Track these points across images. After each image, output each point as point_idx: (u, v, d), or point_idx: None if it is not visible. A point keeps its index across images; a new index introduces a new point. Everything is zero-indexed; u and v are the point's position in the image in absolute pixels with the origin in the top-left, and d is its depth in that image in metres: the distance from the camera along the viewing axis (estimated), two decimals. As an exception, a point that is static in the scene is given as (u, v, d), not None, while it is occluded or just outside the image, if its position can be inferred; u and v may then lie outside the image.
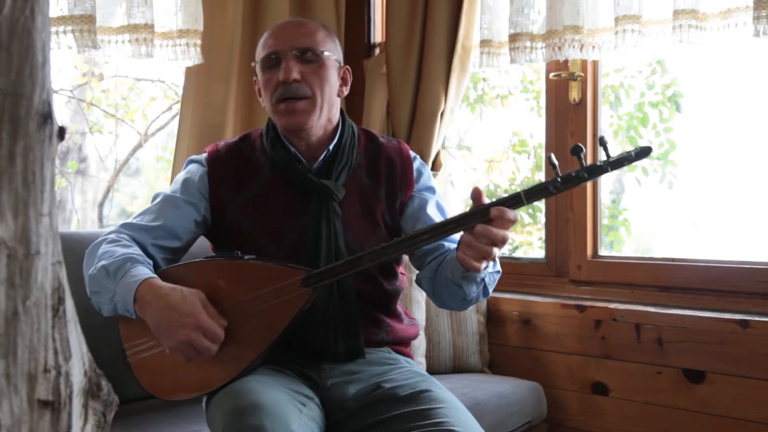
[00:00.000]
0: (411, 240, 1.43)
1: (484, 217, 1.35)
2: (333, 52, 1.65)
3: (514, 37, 2.27)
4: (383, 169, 1.68)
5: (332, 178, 1.61)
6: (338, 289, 1.56)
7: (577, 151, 1.37)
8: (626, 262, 2.35)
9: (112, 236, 1.57)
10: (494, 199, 1.40)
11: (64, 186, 3.41)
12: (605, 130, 2.56)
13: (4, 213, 0.58)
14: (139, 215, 1.65)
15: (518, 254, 3.25)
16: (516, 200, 1.38)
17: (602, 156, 1.39)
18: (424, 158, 2.41)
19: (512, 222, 1.36)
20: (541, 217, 2.96)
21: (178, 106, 2.54)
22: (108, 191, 3.57)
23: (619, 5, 2.06)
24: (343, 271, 1.46)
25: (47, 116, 0.62)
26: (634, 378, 2.16)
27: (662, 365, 2.11)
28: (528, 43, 2.26)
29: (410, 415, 1.41)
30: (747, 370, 1.96)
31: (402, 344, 1.70)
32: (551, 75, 2.41)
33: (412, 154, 1.74)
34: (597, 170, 1.38)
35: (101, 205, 3.55)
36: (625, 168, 1.47)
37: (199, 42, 2.23)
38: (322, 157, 1.65)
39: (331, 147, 1.65)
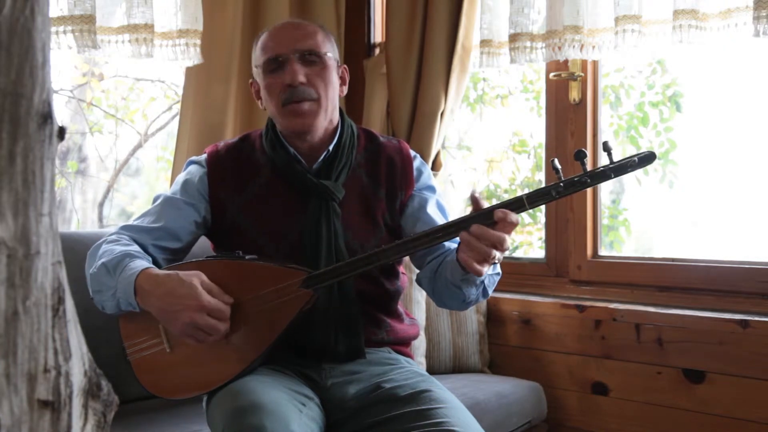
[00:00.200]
0: (412, 242, 1.43)
1: (488, 219, 1.35)
2: (333, 53, 1.66)
3: (514, 37, 2.27)
4: (383, 168, 1.68)
5: (332, 178, 1.61)
6: (339, 289, 1.56)
7: (580, 157, 1.37)
8: (626, 262, 2.35)
9: (112, 237, 1.58)
10: (495, 201, 1.40)
11: (64, 186, 3.41)
12: (605, 130, 2.55)
13: (4, 213, 0.58)
14: (140, 217, 1.65)
15: (518, 254, 3.25)
16: (518, 204, 1.39)
17: (604, 159, 1.40)
18: (424, 158, 2.40)
19: (514, 225, 1.36)
20: (541, 217, 2.96)
21: (178, 106, 2.54)
22: (108, 191, 3.57)
23: (619, 5, 2.06)
24: (343, 273, 1.46)
25: (47, 116, 0.62)
26: (634, 378, 2.16)
27: (662, 365, 2.11)
28: (528, 43, 2.26)
29: (410, 415, 1.41)
30: (747, 370, 1.96)
31: (402, 344, 1.70)
32: (551, 75, 2.41)
33: (412, 153, 1.74)
34: (600, 176, 1.38)
35: (101, 205, 3.56)
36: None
37: (199, 42, 2.23)
38: (322, 157, 1.65)
39: (330, 147, 1.65)
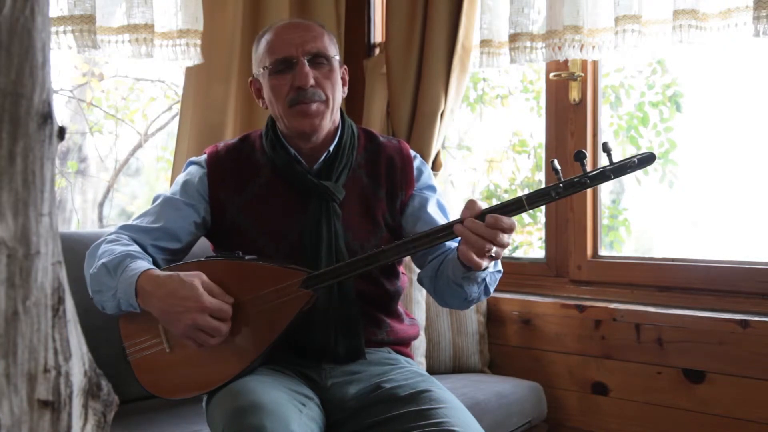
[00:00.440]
0: (412, 242, 1.44)
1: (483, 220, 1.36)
2: (337, 55, 1.67)
3: (514, 37, 2.27)
4: (383, 168, 1.68)
5: (332, 179, 1.62)
6: (339, 289, 1.56)
7: (580, 157, 1.38)
8: (626, 262, 2.35)
9: (112, 237, 1.58)
10: (495, 202, 1.40)
11: (64, 186, 3.41)
12: (605, 130, 2.56)
13: (4, 213, 0.58)
14: (139, 217, 1.65)
15: (518, 254, 3.25)
16: (518, 205, 1.39)
17: (604, 160, 1.40)
18: (424, 158, 2.40)
19: (506, 228, 1.35)
20: (541, 217, 2.96)
21: (178, 106, 2.53)
22: (108, 191, 3.57)
23: (619, 5, 2.06)
24: (343, 273, 1.46)
25: (47, 116, 0.62)
26: (634, 378, 2.16)
27: (662, 365, 2.11)
28: (528, 43, 2.26)
29: (410, 415, 1.41)
30: (747, 370, 1.96)
31: (402, 344, 1.70)
32: (551, 75, 2.41)
33: (413, 153, 1.74)
34: (599, 177, 1.38)
35: (101, 205, 3.55)
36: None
37: (199, 42, 2.23)
38: (322, 158, 1.65)
39: (331, 148, 1.65)
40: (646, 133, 3.06)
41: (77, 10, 1.99)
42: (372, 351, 1.61)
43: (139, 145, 3.60)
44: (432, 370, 2.32)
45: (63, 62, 3.38)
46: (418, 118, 2.48)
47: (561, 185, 1.38)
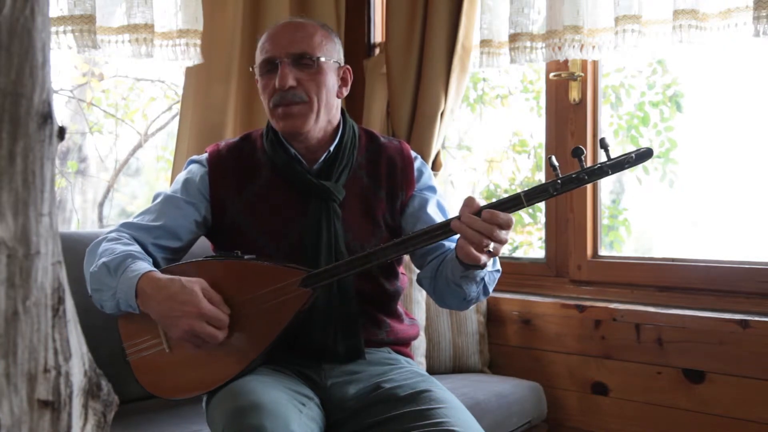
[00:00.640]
0: (410, 241, 1.44)
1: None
2: (331, 55, 1.64)
3: (514, 37, 2.27)
4: (384, 169, 1.68)
5: (333, 179, 1.61)
6: (338, 289, 1.56)
7: (578, 153, 1.38)
8: (626, 262, 2.35)
9: (113, 235, 1.57)
10: (494, 200, 1.40)
11: (64, 186, 3.41)
12: (605, 130, 2.56)
13: (4, 213, 0.58)
14: (140, 215, 1.65)
15: (518, 254, 3.25)
16: (516, 201, 1.39)
17: (602, 158, 1.40)
18: (424, 158, 2.40)
19: (502, 224, 1.35)
20: (541, 217, 2.96)
21: (178, 106, 2.53)
22: (108, 191, 3.57)
23: (619, 5, 2.06)
24: (342, 272, 1.46)
25: (47, 116, 0.62)
26: (634, 378, 2.16)
27: (662, 365, 2.11)
28: (528, 43, 2.26)
29: (410, 415, 1.41)
30: (747, 370, 1.96)
31: (402, 344, 1.70)
32: (551, 75, 2.41)
33: (413, 153, 1.74)
34: (597, 172, 1.38)
35: (101, 205, 3.55)
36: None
37: (199, 42, 2.23)
38: (322, 158, 1.65)
39: (331, 148, 1.65)
40: (647, 133, 3.06)
41: (77, 10, 1.99)
42: (372, 351, 1.61)
43: (139, 145, 3.60)
44: (432, 370, 2.32)
45: (63, 62, 3.38)
46: (418, 118, 2.48)
47: (559, 181, 1.39)
